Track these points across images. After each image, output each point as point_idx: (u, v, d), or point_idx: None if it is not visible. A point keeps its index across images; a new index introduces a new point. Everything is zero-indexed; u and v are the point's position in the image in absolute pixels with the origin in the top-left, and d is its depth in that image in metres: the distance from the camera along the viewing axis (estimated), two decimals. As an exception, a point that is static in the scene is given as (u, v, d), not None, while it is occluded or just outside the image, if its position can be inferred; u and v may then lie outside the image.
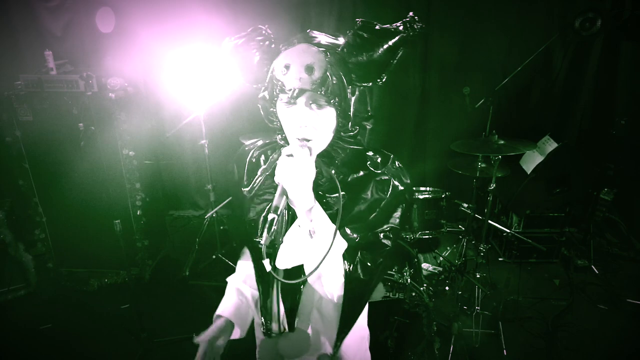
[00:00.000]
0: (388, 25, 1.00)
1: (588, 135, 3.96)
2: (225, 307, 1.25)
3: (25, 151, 3.08)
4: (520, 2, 3.66)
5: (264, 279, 1.19)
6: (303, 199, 0.97)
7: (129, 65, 3.22)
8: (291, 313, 1.17)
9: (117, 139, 3.09)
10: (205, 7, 3.48)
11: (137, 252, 3.39)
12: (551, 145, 3.45)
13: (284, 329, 1.19)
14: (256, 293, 1.27)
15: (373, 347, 1.42)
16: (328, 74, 0.99)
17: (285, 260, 1.07)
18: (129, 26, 3.48)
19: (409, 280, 2.51)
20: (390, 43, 1.00)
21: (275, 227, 0.92)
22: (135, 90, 3.26)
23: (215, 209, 3.49)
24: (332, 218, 1.03)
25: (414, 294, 2.49)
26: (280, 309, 1.18)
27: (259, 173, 1.15)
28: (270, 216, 0.91)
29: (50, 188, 3.18)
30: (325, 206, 1.06)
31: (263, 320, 1.21)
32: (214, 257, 3.54)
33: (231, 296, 1.28)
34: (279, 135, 1.15)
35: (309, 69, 0.98)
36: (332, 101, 1.01)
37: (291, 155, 0.96)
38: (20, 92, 2.95)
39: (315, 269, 0.97)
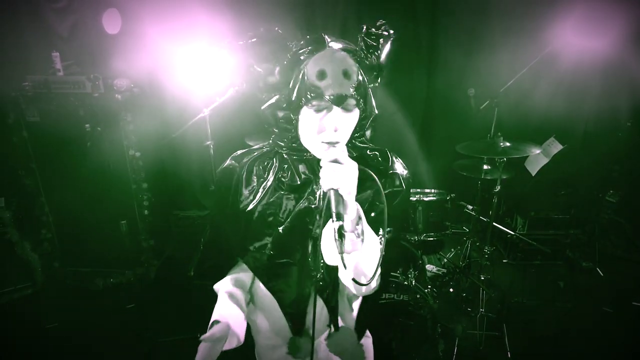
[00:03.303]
0: (382, 29, 1.08)
1: (594, 137, 3.94)
2: (221, 312, 1.19)
3: (32, 151, 3.11)
4: (525, 3, 3.65)
5: (294, 285, 1.17)
6: (353, 202, 0.97)
7: (135, 66, 3.24)
8: (333, 313, 1.18)
9: (123, 140, 3.11)
10: (210, 8, 3.49)
11: (142, 252, 3.41)
12: (556, 147, 3.42)
13: (326, 328, 1.21)
14: (247, 296, 1.28)
15: (377, 348, 1.42)
16: (361, 77, 1.03)
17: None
18: (135, 27, 3.50)
19: (413, 282, 2.51)
20: (388, 45, 1.08)
21: (344, 233, 0.91)
22: (141, 91, 3.28)
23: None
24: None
25: (418, 295, 2.49)
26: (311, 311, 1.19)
27: (263, 185, 1.15)
28: (337, 224, 0.90)
29: (57, 188, 3.21)
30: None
31: (290, 321, 1.21)
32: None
33: (225, 301, 1.23)
34: (283, 142, 1.12)
35: (347, 74, 1.00)
36: (360, 103, 1.04)
37: (336, 160, 0.95)
38: (28, 92, 2.97)
39: (377, 270, 0.95)
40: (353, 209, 0.97)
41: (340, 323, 1.24)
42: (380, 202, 1.11)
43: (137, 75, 3.24)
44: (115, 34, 3.45)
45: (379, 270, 0.99)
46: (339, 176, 0.93)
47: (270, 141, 1.18)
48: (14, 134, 3.05)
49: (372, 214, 1.10)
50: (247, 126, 3.71)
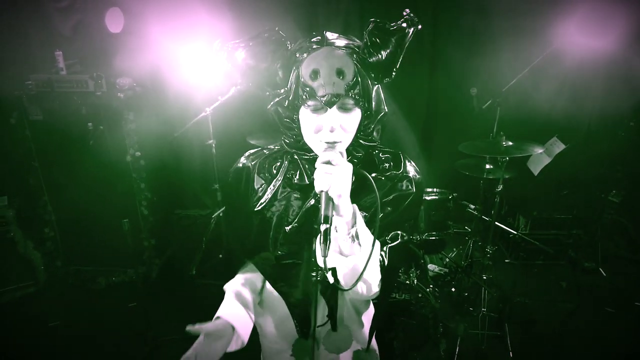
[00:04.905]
0: (394, 23, 1.03)
1: (596, 136, 3.93)
2: (226, 310, 1.16)
3: (35, 150, 3.12)
4: (528, 2, 3.64)
5: (301, 285, 1.16)
6: (348, 204, 0.95)
7: (138, 65, 3.24)
8: (332, 313, 1.18)
9: (126, 139, 3.12)
10: (212, 7, 3.49)
11: (144, 251, 3.41)
12: (559, 147, 3.42)
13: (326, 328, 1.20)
14: (257, 297, 1.26)
15: (379, 348, 1.42)
16: (357, 76, 1.00)
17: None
18: (138, 26, 3.50)
19: (415, 281, 2.51)
20: (400, 40, 1.03)
21: (330, 237, 0.90)
22: (144, 90, 3.29)
23: (222, 209, 3.51)
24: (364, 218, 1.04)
25: (420, 295, 2.49)
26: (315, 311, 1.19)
27: (272, 185, 1.15)
28: (323, 227, 0.89)
29: (59, 187, 3.22)
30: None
31: (297, 322, 1.20)
32: (220, 256, 3.55)
33: (231, 300, 1.21)
34: (289, 141, 1.12)
35: (340, 73, 0.98)
36: (360, 103, 1.02)
37: (329, 162, 0.94)
38: (31, 91, 2.98)
39: (363, 271, 0.94)
40: (347, 211, 0.96)
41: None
42: (389, 205, 1.10)
43: (140, 74, 3.25)
44: (118, 33, 3.46)
45: (363, 276, 0.97)
46: (329, 178, 0.92)
47: (281, 141, 1.18)
48: (17, 132, 3.06)
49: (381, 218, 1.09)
50: (249, 125, 3.72)
